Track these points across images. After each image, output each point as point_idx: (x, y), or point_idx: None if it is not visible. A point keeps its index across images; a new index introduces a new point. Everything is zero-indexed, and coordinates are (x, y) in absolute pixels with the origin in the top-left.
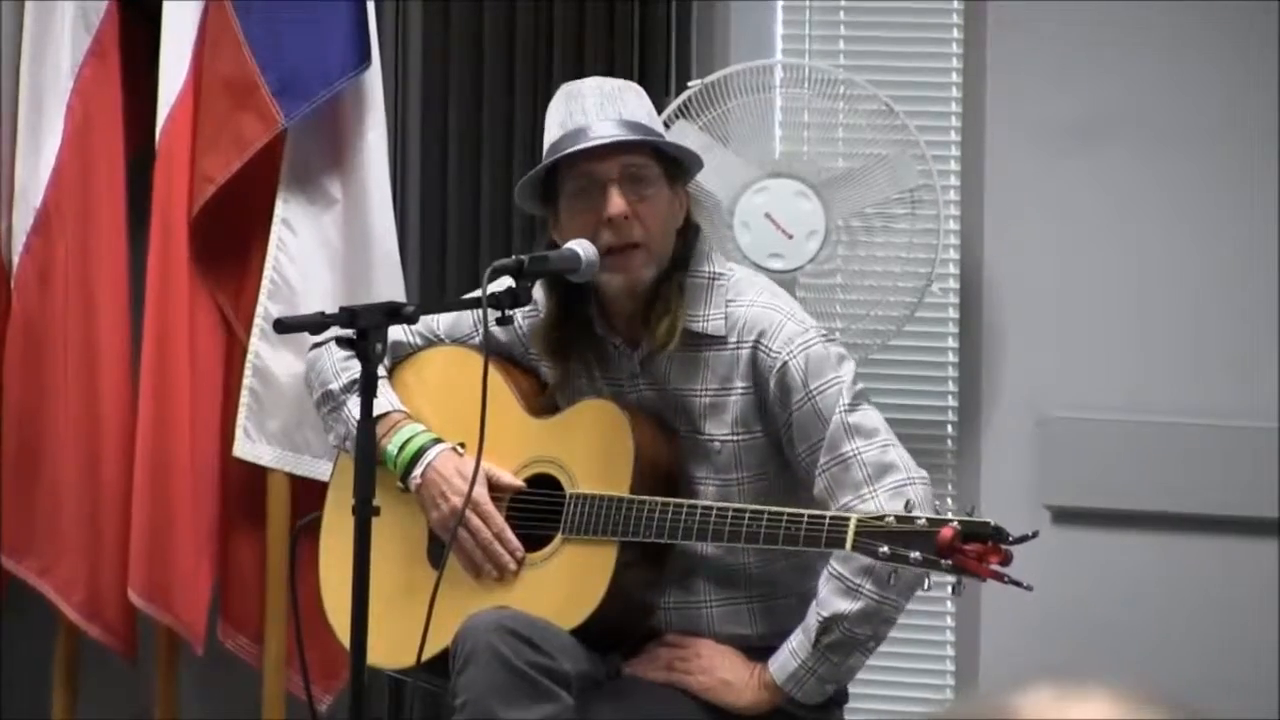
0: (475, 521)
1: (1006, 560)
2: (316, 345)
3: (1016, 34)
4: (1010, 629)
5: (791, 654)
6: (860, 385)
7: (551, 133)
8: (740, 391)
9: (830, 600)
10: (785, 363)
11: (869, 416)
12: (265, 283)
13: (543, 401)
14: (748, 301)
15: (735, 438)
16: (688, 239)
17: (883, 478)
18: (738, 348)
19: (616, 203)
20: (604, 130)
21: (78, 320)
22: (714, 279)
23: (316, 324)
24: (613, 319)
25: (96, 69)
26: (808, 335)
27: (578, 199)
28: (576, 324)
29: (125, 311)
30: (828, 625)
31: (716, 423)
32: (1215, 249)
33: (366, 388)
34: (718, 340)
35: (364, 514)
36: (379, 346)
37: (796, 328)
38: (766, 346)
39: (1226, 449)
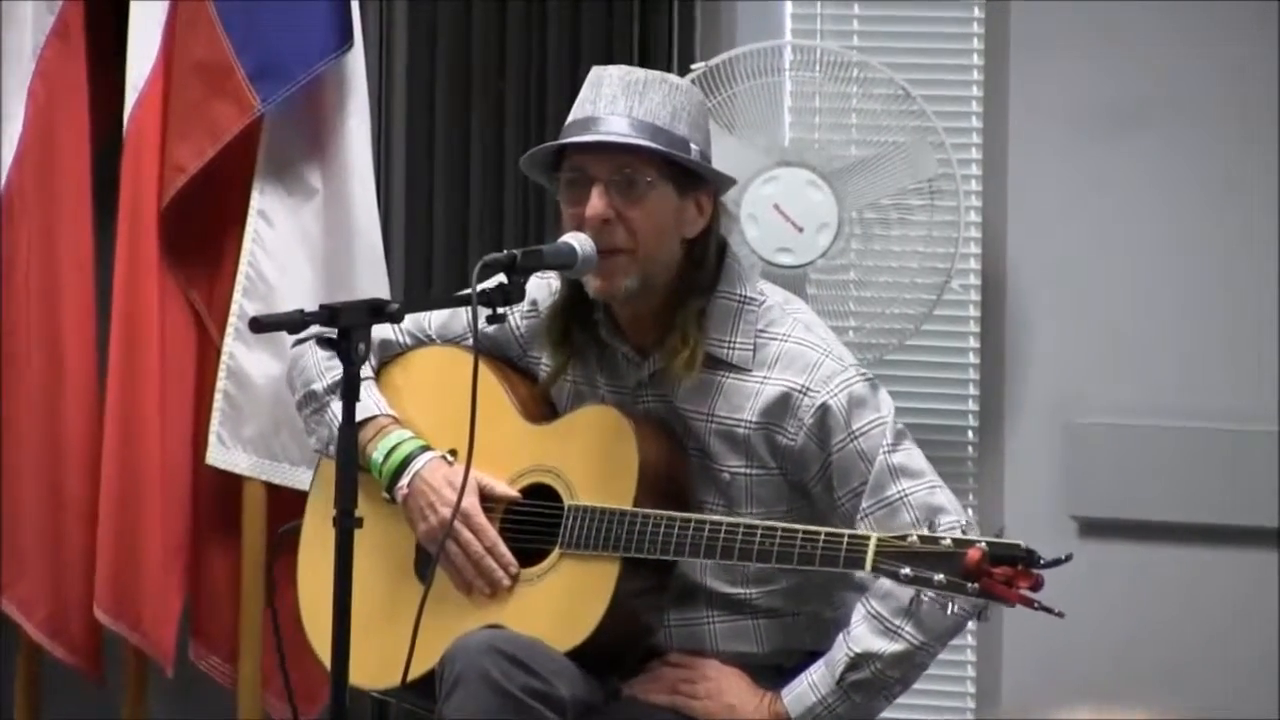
0: (466, 535)
1: (1037, 585)
2: (299, 342)
3: (1041, 12)
4: (1034, 646)
5: (811, 687)
6: (900, 424)
7: (572, 112)
8: (754, 426)
9: (865, 637)
10: (825, 403)
11: (914, 457)
12: (240, 279)
13: (541, 407)
14: (780, 335)
15: (748, 471)
16: (705, 253)
17: (932, 521)
18: (763, 383)
19: (595, 205)
20: (608, 126)
21: (40, 318)
22: (744, 303)
23: (295, 323)
24: (623, 327)
25: (59, 49)
26: (848, 374)
27: (568, 190)
28: (581, 321)
29: (91, 309)
30: (857, 662)
31: (726, 452)
32: (1259, 241)
33: (348, 391)
34: (739, 370)
35: (346, 525)
36: (361, 347)
37: (835, 365)
38: (803, 386)
39: (1271, 457)
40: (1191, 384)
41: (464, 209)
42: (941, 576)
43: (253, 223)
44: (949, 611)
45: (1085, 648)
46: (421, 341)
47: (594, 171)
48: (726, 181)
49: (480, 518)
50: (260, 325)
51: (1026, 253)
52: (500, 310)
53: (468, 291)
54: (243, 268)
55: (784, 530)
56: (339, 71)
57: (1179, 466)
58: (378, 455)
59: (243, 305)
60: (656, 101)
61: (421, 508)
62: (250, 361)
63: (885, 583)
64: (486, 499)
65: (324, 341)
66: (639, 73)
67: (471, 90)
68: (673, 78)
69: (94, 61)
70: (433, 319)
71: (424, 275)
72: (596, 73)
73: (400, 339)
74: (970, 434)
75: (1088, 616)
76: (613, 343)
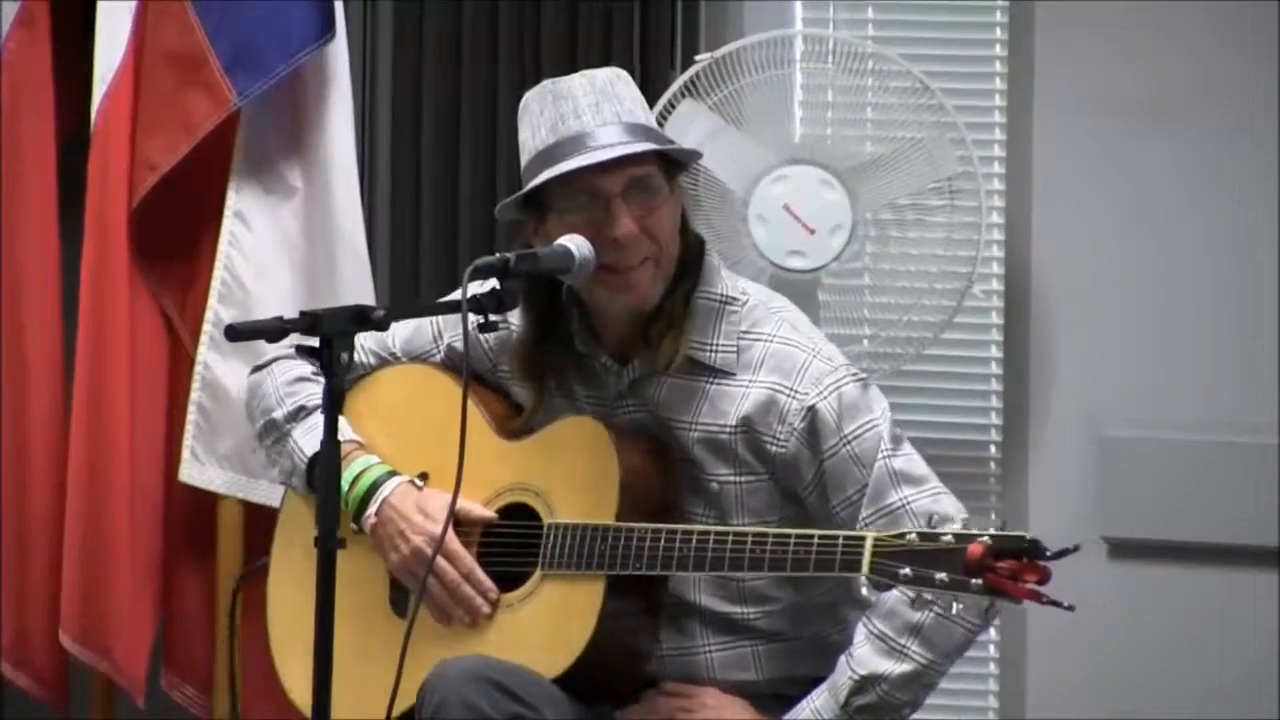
0: (440, 562)
1: (1044, 578)
2: (258, 369)
3: (1068, 1)
4: (1060, 673)
5: (814, 713)
6: (898, 428)
7: (540, 137)
8: (740, 432)
9: (869, 659)
10: (814, 406)
11: (914, 462)
12: (215, 284)
13: (516, 423)
14: (765, 335)
15: (736, 479)
16: (689, 246)
17: (942, 527)
18: (748, 386)
19: (626, 223)
20: (606, 137)
21: (2, 324)
22: (726, 303)
23: (274, 330)
24: (601, 334)
25: (23, 40)
26: (838, 374)
27: (575, 215)
28: (555, 341)
29: (56, 316)
30: (863, 685)
31: (713, 460)
32: None
33: (331, 403)
34: (723, 374)
35: (328, 546)
36: (344, 356)
37: (824, 366)
38: (790, 388)
39: None
40: (1234, 395)
41: (453, 209)
42: (944, 575)
43: (228, 224)
44: (953, 612)
45: (1117, 678)
46: (386, 361)
47: (606, 187)
48: (695, 157)
49: (454, 543)
50: (237, 333)
51: (1052, 256)
52: (492, 318)
53: (457, 297)
54: (218, 272)
55: (775, 536)
56: (320, 63)
57: (1218, 484)
58: (343, 484)
59: (218, 312)
60: (629, 98)
61: (391, 536)
62: (226, 372)
63: (888, 600)
64: (461, 523)
65: (303, 350)
66: (599, 75)
67: (461, 84)
68: (616, 69)
69: (60, 52)
70: (397, 336)
71: (411, 280)
72: (558, 86)
73: (365, 360)
74: (993, 449)
75: (1120, 645)
76: (590, 352)
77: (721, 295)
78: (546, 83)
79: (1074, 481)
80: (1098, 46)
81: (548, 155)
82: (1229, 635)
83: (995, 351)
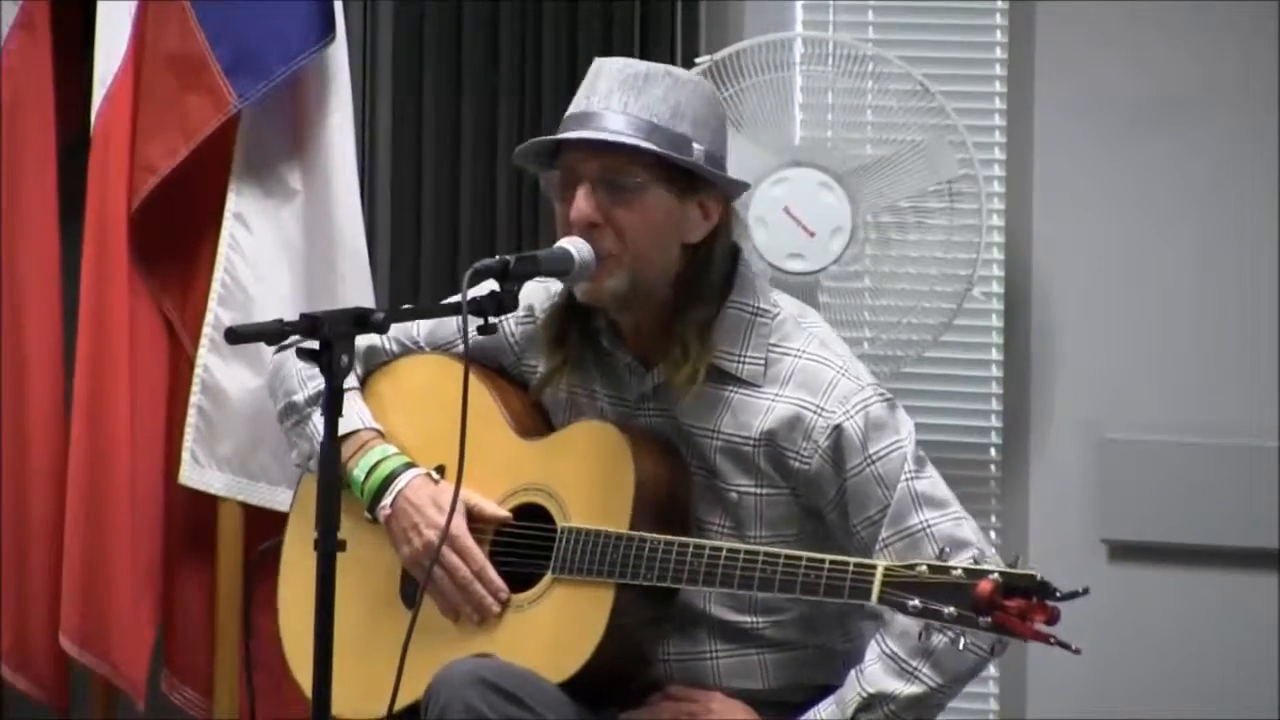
0: (452, 558)
1: (1053, 618)
2: (282, 349)
3: (1069, 2)
4: (1060, 673)
5: None
6: (920, 448)
7: (570, 105)
8: (763, 444)
9: (879, 678)
10: (840, 424)
11: (937, 485)
12: (216, 286)
13: (535, 421)
14: (794, 350)
15: (757, 490)
16: (710, 260)
17: (957, 555)
18: (774, 400)
19: (579, 206)
20: (601, 123)
21: (2, 326)
22: (756, 314)
23: (273, 333)
24: (622, 335)
25: (24, 42)
26: (865, 393)
27: (561, 189)
28: (581, 326)
29: (56, 319)
30: (870, 703)
31: (734, 470)
32: None
33: (329, 406)
34: (749, 385)
35: (328, 547)
36: (344, 359)
37: (852, 384)
38: (817, 406)
39: None
40: (1235, 398)
41: (453, 211)
42: (952, 609)
43: (229, 226)
44: (960, 646)
45: (1117, 679)
46: (409, 349)
47: (582, 170)
48: (735, 184)
49: (467, 540)
50: (237, 336)
51: (1053, 258)
52: (492, 320)
53: (458, 299)
54: (218, 274)
55: (786, 558)
56: (320, 65)
57: (1218, 486)
58: (359, 473)
59: (218, 315)
60: (656, 96)
61: (405, 529)
62: (226, 375)
63: (902, 620)
64: (475, 520)
65: (305, 353)
66: (641, 65)
67: (461, 86)
68: (679, 71)
69: (60, 54)
70: (420, 325)
71: (411, 282)
72: (597, 64)
73: (387, 346)
74: (993, 452)
75: (1120, 646)
76: (615, 351)
77: (754, 307)
78: (599, 59)
79: (1074, 484)
80: (1098, 47)
81: (561, 125)
82: (1229, 637)
83: (995, 354)
